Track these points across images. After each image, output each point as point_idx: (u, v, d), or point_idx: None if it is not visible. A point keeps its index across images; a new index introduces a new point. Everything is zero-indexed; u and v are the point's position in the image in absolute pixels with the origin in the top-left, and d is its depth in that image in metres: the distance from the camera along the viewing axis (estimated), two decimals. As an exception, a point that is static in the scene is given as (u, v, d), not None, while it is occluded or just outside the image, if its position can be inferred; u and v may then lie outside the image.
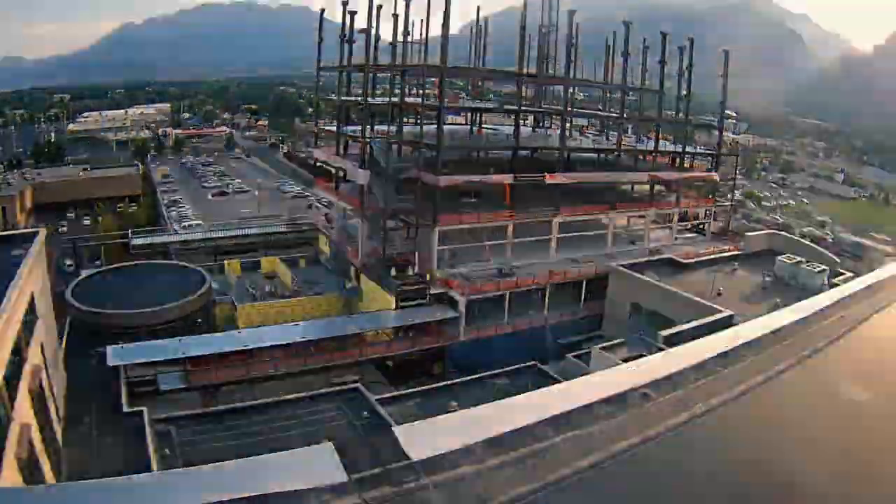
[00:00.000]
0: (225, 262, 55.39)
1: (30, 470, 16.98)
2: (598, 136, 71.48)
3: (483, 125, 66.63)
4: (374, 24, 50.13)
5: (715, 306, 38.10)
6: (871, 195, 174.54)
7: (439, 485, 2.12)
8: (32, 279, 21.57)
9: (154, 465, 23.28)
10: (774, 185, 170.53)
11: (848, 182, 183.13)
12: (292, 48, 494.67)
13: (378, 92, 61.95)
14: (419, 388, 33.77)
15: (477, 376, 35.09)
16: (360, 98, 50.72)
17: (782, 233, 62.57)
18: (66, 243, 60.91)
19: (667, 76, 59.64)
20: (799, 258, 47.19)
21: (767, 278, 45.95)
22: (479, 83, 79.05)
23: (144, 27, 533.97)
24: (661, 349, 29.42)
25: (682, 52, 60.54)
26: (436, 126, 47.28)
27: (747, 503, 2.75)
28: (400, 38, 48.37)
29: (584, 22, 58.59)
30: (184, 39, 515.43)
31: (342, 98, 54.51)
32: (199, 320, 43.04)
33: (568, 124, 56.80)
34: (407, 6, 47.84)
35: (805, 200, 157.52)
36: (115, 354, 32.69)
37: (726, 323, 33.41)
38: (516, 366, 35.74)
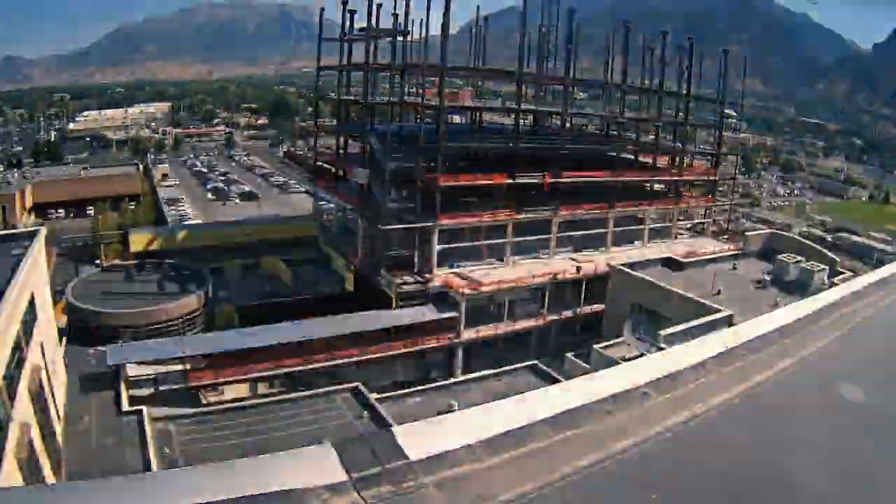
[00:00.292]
0: (225, 261, 55.35)
1: (30, 470, 16.98)
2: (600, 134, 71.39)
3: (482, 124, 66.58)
4: (374, 23, 50.14)
5: (715, 305, 38.10)
6: (870, 195, 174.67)
7: (439, 484, 2.12)
8: (32, 278, 21.56)
9: (154, 465, 23.30)
10: (774, 184, 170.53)
11: (848, 181, 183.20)
12: (292, 47, 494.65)
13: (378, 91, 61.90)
14: (419, 388, 33.79)
15: (477, 376, 35.13)
16: (359, 97, 50.75)
17: (782, 232, 62.59)
18: (65, 242, 60.75)
19: (667, 76, 59.69)
20: (799, 257, 47.19)
21: (767, 277, 45.96)
22: (479, 82, 79.02)
23: (144, 26, 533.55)
24: (660, 348, 29.44)
25: (682, 52, 60.62)
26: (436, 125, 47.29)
27: (747, 503, 2.76)
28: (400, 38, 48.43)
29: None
30: (184, 38, 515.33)
31: (342, 97, 54.53)
32: (199, 320, 43.08)
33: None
34: (407, 5, 47.88)
35: (805, 200, 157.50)
36: (114, 354, 32.70)
37: (726, 322, 33.43)
38: (516, 365, 35.77)
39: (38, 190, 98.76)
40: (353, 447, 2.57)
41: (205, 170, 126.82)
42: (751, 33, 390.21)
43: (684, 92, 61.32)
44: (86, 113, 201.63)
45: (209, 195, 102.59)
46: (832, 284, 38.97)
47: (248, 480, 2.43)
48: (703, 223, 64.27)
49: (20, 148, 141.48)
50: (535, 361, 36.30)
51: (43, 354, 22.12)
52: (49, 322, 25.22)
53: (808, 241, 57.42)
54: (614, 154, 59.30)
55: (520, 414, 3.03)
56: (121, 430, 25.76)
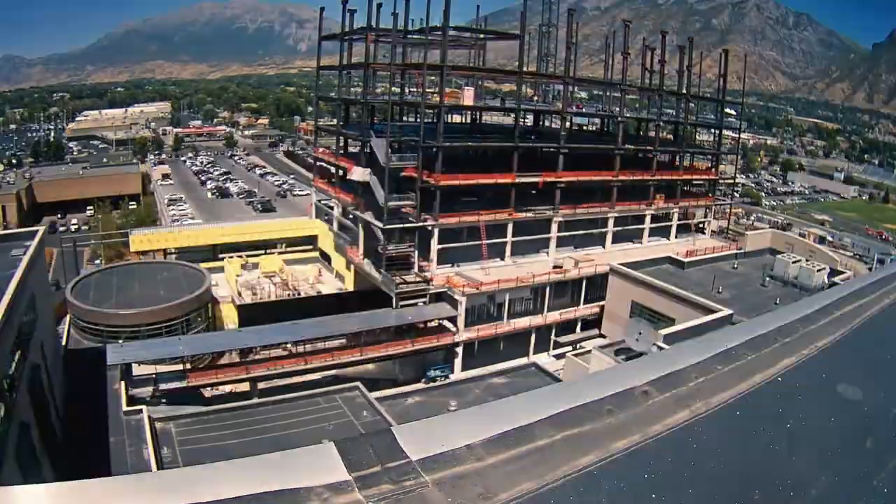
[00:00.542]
0: (225, 260, 55.41)
1: (30, 470, 16.98)
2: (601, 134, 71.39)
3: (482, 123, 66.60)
4: (373, 23, 50.09)
5: (715, 305, 38.13)
6: (870, 194, 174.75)
7: (440, 483, 2.11)
8: (32, 278, 21.56)
9: (154, 464, 23.30)
10: (774, 184, 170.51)
11: (848, 181, 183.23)
12: (292, 47, 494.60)
13: (378, 90, 61.87)
14: (419, 388, 33.84)
15: (477, 375, 35.17)
16: (359, 96, 50.72)
17: (782, 232, 62.60)
18: (66, 242, 60.84)
19: (668, 76, 59.64)
20: (799, 257, 47.22)
21: (767, 277, 45.99)
22: (479, 82, 78.91)
23: (144, 26, 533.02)
24: (660, 348, 29.46)
25: (682, 51, 60.58)
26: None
27: (747, 503, 2.75)
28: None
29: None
30: (184, 38, 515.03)
31: (342, 97, 54.51)
32: (199, 319, 43.06)
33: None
34: (407, 5, 47.80)
35: (805, 200, 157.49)
36: (114, 353, 32.69)
37: (726, 322, 33.45)
38: (516, 365, 35.81)
39: (38, 190, 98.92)
40: (354, 446, 2.57)
41: (205, 170, 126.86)
42: (751, 32, 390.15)
43: (684, 91, 61.25)
44: (86, 113, 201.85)
45: (209, 195, 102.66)
46: (832, 284, 39.01)
47: (248, 480, 2.43)
48: (704, 223, 64.24)
49: (20, 148, 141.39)
50: (535, 360, 36.32)
51: (43, 354, 22.12)
52: (49, 322, 25.21)
53: (808, 241, 57.46)
54: (614, 154, 59.25)
55: (520, 413, 3.02)
56: (121, 430, 25.75)
